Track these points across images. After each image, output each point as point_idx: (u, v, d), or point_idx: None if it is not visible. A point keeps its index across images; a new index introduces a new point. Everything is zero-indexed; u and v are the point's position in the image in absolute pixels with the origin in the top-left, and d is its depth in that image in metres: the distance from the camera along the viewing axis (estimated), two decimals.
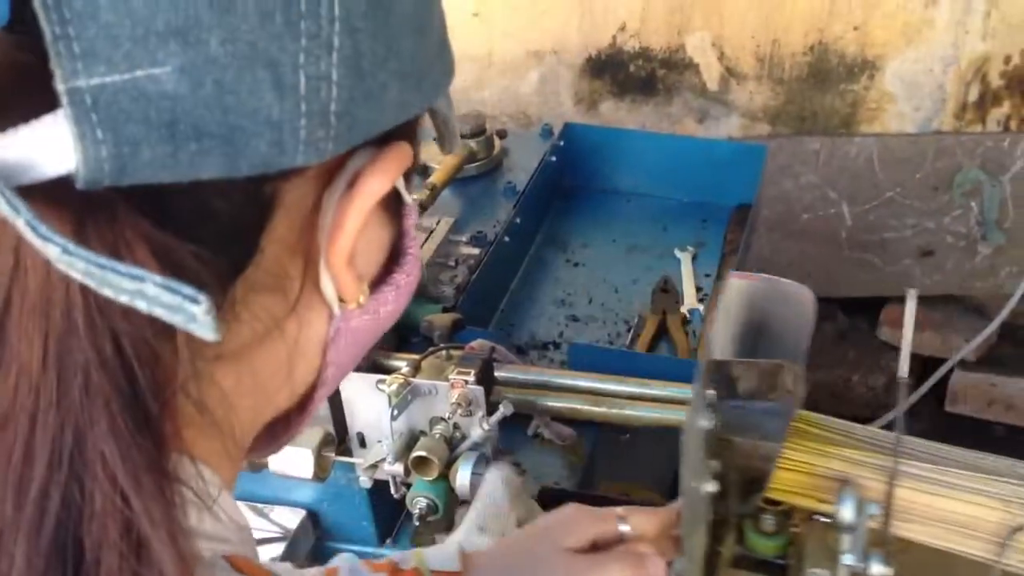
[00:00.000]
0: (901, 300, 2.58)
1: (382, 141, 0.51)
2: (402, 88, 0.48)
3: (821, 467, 1.02)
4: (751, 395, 1.01)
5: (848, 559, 0.94)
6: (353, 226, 0.51)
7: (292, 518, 1.30)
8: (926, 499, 1.00)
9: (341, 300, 0.55)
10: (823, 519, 1.01)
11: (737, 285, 1.06)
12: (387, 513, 1.30)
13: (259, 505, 1.31)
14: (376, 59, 0.46)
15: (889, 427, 1.09)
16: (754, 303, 1.06)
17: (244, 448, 0.58)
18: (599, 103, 2.58)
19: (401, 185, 0.56)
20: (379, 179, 0.50)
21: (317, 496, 1.30)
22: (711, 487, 0.98)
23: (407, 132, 0.53)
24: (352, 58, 0.44)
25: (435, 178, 1.65)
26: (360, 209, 0.51)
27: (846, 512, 0.95)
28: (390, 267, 0.59)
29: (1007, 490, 0.98)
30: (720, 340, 1.05)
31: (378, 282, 0.59)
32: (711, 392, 0.98)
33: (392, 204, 0.57)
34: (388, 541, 1.32)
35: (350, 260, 0.52)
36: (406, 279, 0.60)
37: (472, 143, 1.79)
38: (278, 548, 1.28)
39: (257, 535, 1.27)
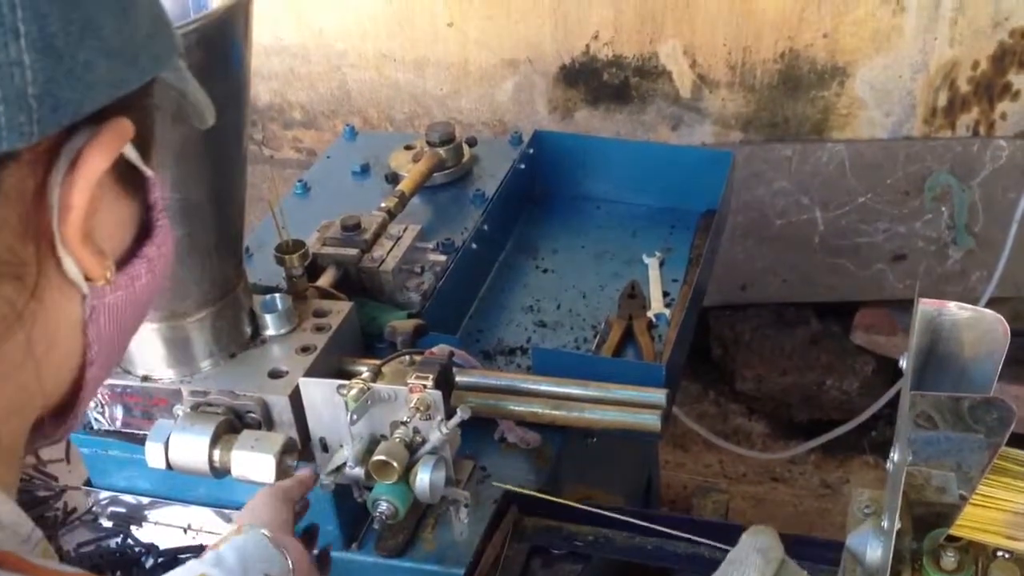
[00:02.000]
0: (874, 304, 2.60)
1: (102, 118, 0.52)
2: (111, 66, 0.50)
3: (1018, 503, 0.98)
4: (959, 429, 0.95)
5: None
6: (81, 203, 0.52)
7: None
8: None
9: (88, 279, 0.56)
10: (1005, 555, 0.99)
11: (925, 311, 0.99)
12: (352, 517, 1.32)
13: (226, 511, 1.33)
14: (71, 40, 0.47)
15: None
16: (942, 332, 1.00)
17: (14, 446, 0.57)
18: (574, 111, 2.60)
19: (136, 159, 0.57)
20: (99, 155, 0.52)
21: None
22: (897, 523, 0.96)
23: (129, 107, 0.54)
24: (42, 41, 0.46)
25: (403, 185, 1.67)
26: (84, 186, 0.52)
27: None
28: (140, 241, 0.61)
29: None
30: (912, 371, 0.98)
31: (129, 257, 0.60)
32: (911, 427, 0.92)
33: (130, 178, 0.58)
34: (354, 545, 1.33)
35: (86, 237, 0.53)
36: (157, 251, 0.62)
37: (441, 151, 1.80)
38: None
39: None
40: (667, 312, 1.68)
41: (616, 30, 2.45)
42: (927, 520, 1.01)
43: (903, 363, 0.97)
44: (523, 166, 1.90)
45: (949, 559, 0.99)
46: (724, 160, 1.89)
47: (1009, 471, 0.98)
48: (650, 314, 1.68)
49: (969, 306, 0.98)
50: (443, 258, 1.59)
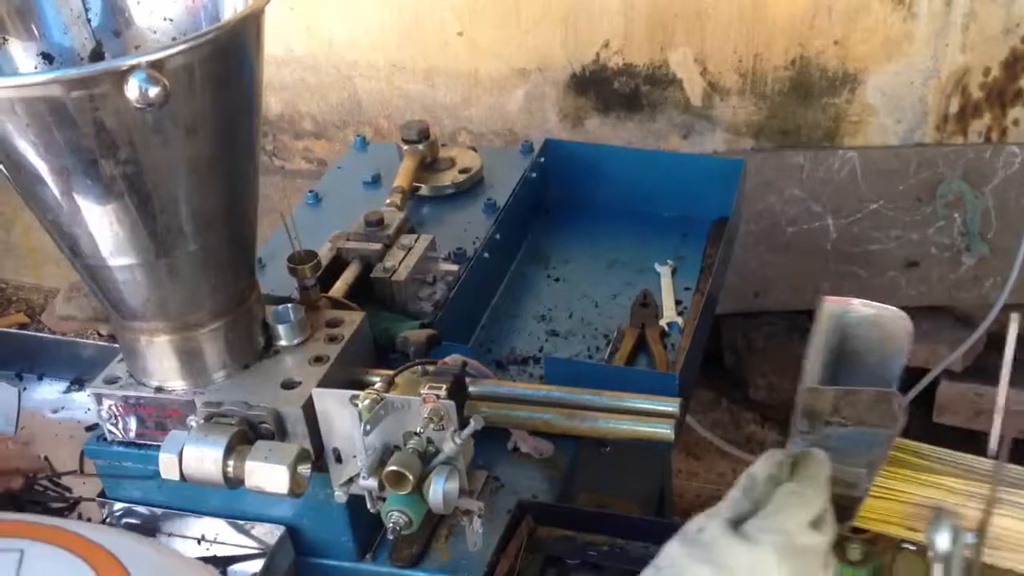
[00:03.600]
0: None
1: None
2: None
3: (917, 495, 1.00)
4: (853, 423, 0.98)
5: None
6: None
7: (272, 534, 1.31)
8: (1020, 526, 0.97)
9: None
10: (910, 547, 1.00)
11: (829, 309, 1.02)
12: (366, 528, 1.31)
13: (239, 522, 1.33)
14: None
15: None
16: (848, 329, 1.02)
17: None
18: (584, 120, 2.60)
19: None
20: None
21: (296, 512, 1.31)
22: None
23: None
24: None
25: (399, 181, 1.70)
26: None
27: (941, 541, 0.93)
28: None
29: None
30: (815, 366, 1.02)
31: None
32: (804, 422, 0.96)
33: None
34: (367, 556, 1.33)
35: None
36: None
37: (420, 147, 1.85)
38: (257, 564, 1.29)
39: (237, 552, 1.29)
40: (680, 320, 1.68)
41: (626, 38, 2.45)
42: (837, 514, 1.00)
43: (805, 362, 0.99)
44: (534, 175, 1.90)
45: (854, 550, 1.01)
46: (735, 168, 1.89)
47: (908, 463, 1.02)
48: (663, 323, 1.68)
49: (874, 304, 1.01)
50: (455, 268, 1.59)
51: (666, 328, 1.67)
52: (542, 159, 1.93)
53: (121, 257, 1.17)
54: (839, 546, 1.00)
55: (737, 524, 0.88)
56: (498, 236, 1.71)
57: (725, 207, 1.84)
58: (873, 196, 2.46)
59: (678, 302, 1.74)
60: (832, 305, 1.02)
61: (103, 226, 1.14)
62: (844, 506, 0.99)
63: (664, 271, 1.80)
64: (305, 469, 1.20)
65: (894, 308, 1.02)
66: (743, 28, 2.38)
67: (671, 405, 1.30)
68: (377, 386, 1.20)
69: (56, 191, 1.10)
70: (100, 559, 0.57)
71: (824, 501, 0.92)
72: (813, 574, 0.87)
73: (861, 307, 1.02)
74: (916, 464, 1.02)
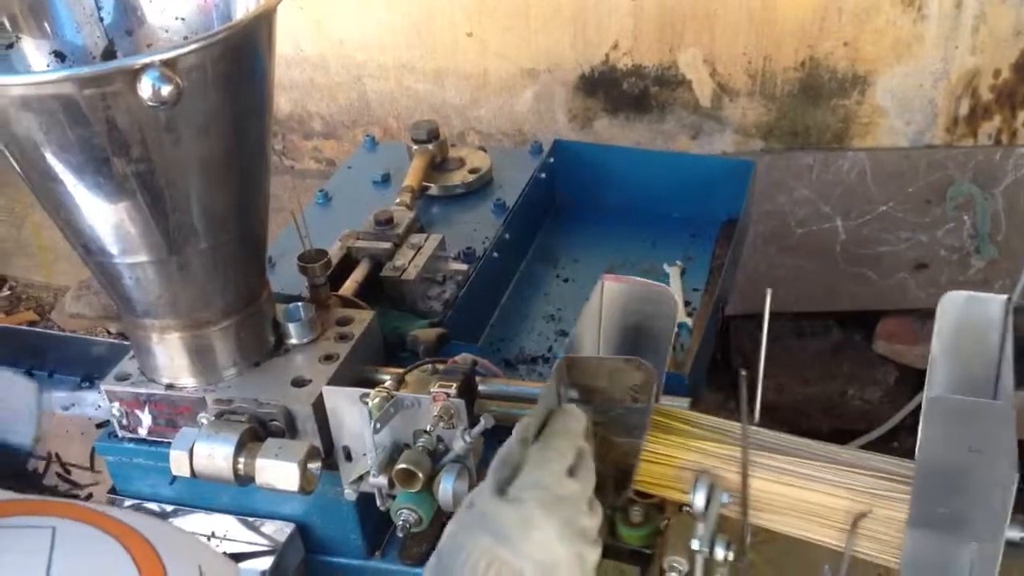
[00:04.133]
0: (897, 313, 2.58)
1: None
2: None
3: (683, 459, 1.08)
4: (606, 391, 1.07)
5: (695, 544, 1.00)
6: None
7: (282, 532, 1.32)
8: (780, 489, 1.05)
9: None
10: (689, 511, 1.06)
11: (610, 288, 1.14)
12: (375, 525, 1.32)
13: (249, 519, 1.33)
14: None
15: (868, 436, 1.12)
16: (630, 306, 1.14)
17: None
18: (593, 120, 2.60)
19: None
20: None
21: (306, 510, 1.31)
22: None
23: None
24: None
25: (409, 181, 1.70)
26: None
27: (699, 500, 1.02)
28: None
29: (853, 479, 1.03)
30: (590, 338, 1.13)
31: None
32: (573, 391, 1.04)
33: None
34: (377, 553, 1.34)
35: None
36: None
37: (430, 147, 1.86)
38: (267, 561, 1.30)
39: (246, 548, 1.30)
40: (689, 321, 1.68)
41: (636, 39, 2.45)
42: (624, 481, 1.10)
43: (570, 337, 1.10)
44: (543, 175, 1.90)
45: (636, 513, 1.11)
46: (745, 170, 1.89)
47: (675, 430, 1.11)
48: None
49: (649, 282, 1.15)
50: (464, 267, 1.59)
51: (676, 329, 1.67)
52: (551, 159, 1.93)
53: (133, 255, 1.17)
54: (623, 510, 1.11)
55: (502, 490, 0.92)
56: (507, 236, 1.72)
57: (735, 208, 1.84)
58: (882, 198, 2.46)
59: (687, 303, 1.74)
60: (611, 283, 1.15)
61: (115, 224, 1.15)
62: (626, 472, 1.09)
63: (673, 272, 1.80)
64: (315, 467, 1.20)
65: (662, 285, 1.15)
66: (752, 29, 2.38)
67: (680, 404, 1.29)
68: (387, 384, 1.21)
69: (68, 188, 1.11)
70: (129, 537, 0.60)
71: (576, 450, 0.97)
72: (578, 519, 0.92)
73: (635, 284, 1.15)
74: (682, 430, 1.10)
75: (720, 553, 0.99)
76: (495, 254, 1.67)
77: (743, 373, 1.01)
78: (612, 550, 1.10)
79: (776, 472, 1.05)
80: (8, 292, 3.15)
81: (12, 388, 1.07)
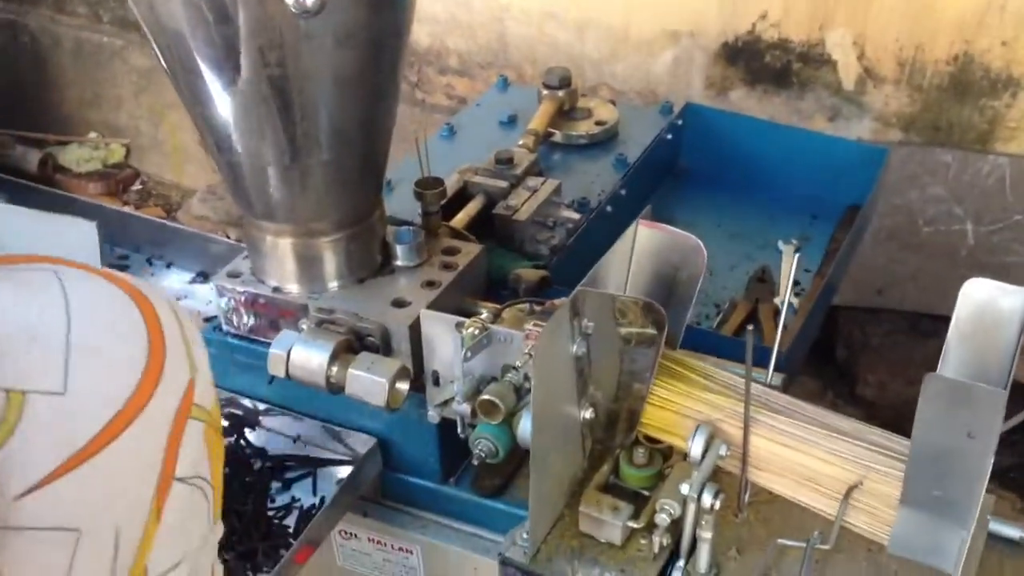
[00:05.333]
0: None
1: None
2: None
3: (688, 407, 1.12)
4: (621, 328, 1.11)
5: (684, 488, 1.02)
6: None
7: (364, 444, 1.35)
8: (778, 449, 1.07)
9: None
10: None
11: (644, 233, 1.19)
12: (454, 452, 1.34)
13: (335, 428, 1.37)
14: None
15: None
16: (662, 254, 1.18)
17: None
18: (730, 90, 2.56)
19: None
20: None
21: (389, 427, 1.35)
22: (586, 413, 1.11)
23: None
24: None
25: (534, 124, 1.70)
26: None
27: (696, 448, 1.05)
28: None
29: (850, 450, 1.05)
30: (616, 279, 1.16)
31: None
32: (589, 323, 1.06)
33: None
34: (451, 480, 1.36)
35: None
36: None
37: (560, 93, 1.85)
38: (346, 470, 1.34)
39: (328, 455, 1.34)
40: (795, 302, 1.66)
41: (785, 12, 2.40)
42: (631, 421, 1.16)
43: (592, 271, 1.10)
44: (669, 136, 1.89)
45: (640, 455, 1.13)
46: (878, 157, 1.84)
47: (685, 378, 1.15)
48: (777, 301, 1.66)
49: (682, 232, 1.19)
50: (577, 216, 1.59)
51: (780, 307, 1.65)
52: (679, 122, 1.91)
53: (258, 156, 1.21)
54: (630, 451, 1.14)
55: None
56: (623, 192, 1.71)
57: (861, 195, 1.80)
58: (1019, 207, 2.37)
59: (796, 283, 1.71)
60: (644, 228, 1.19)
61: (245, 124, 1.18)
62: (634, 412, 1.14)
63: (787, 250, 1.77)
64: (404, 386, 1.23)
65: (691, 236, 1.18)
66: (908, 16, 2.30)
67: (776, 379, 1.28)
68: (483, 316, 1.22)
69: (207, 83, 1.15)
70: (119, 281, 0.68)
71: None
72: None
73: (668, 233, 1.19)
74: (694, 381, 1.14)
75: (707, 500, 1.00)
76: (608, 208, 1.66)
77: (749, 329, 1.03)
78: (614, 488, 1.13)
79: (776, 432, 1.07)
80: (140, 187, 3.27)
81: (72, 230, 1.11)
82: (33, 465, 0.62)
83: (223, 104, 1.17)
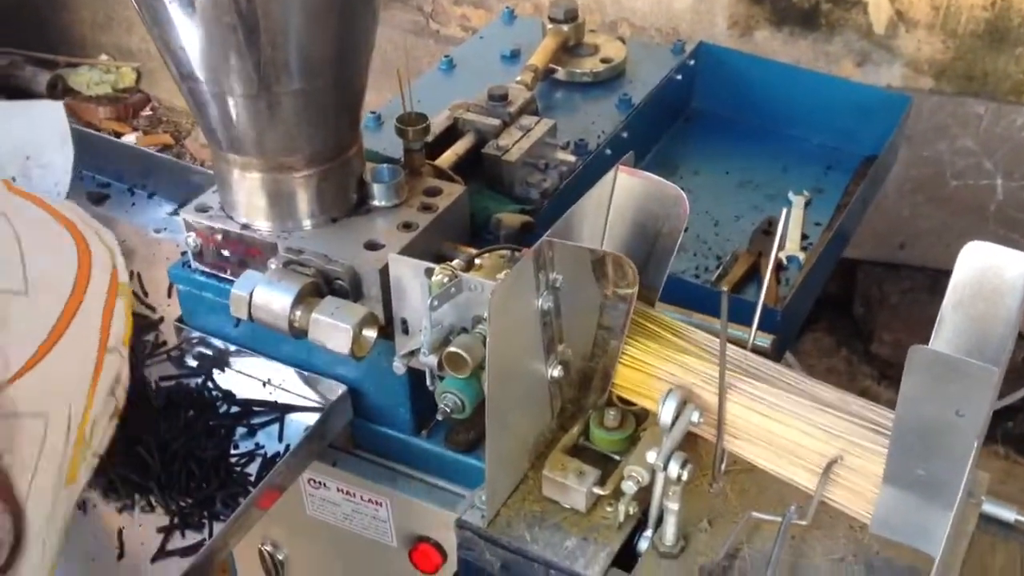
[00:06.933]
0: None
1: None
2: None
3: (661, 369, 1.05)
4: (598, 282, 1.05)
5: (651, 456, 0.95)
6: None
7: (334, 391, 1.30)
8: (755, 418, 1.00)
9: None
10: None
11: (624, 181, 1.09)
12: (426, 404, 1.28)
13: (307, 373, 1.32)
14: None
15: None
16: (643, 204, 1.10)
17: None
18: (754, 30, 2.44)
19: None
20: None
21: (360, 375, 1.29)
22: (554, 371, 1.04)
23: None
24: None
25: (534, 60, 1.62)
26: None
27: (666, 413, 0.97)
28: None
29: (832, 422, 0.97)
30: (592, 229, 1.09)
31: None
32: (557, 276, 1.00)
33: None
34: (424, 432, 1.31)
35: None
36: None
37: (564, 27, 1.75)
38: (314, 417, 1.28)
39: (297, 401, 1.28)
40: (802, 256, 1.57)
41: None
42: (603, 382, 1.10)
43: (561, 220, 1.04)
44: (679, 77, 1.79)
45: (611, 417, 1.07)
46: (900, 104, 1.74)
47: (662, 339, 1.07)
48: (782, 254, 1.57)
49: (663, 181, 1.09)
50: (572, 159, 1.51)
51: (785, 261, 1.57)
52: (692, 62, 1.82)
53: (222, 85, 1.14)
54: (601, 412, 1.08)
55: None
56: (625, 134, 1.62)
57: (880, 145, 1.70)
58: None
59: (804, 236, 1.63)
60: (624, 175, 1.10)
61: (208, 49, 1.11)
62: (606, 372, 1.08)
63: (797, 201, 1.69)
64: (371, 333, 1.17)
65: (673, 185, 1.09)
66: None
67: (763, 341, 1.21)
68: (455, 263, 1.15)
69: (167, 5, 1.07)
70: (61, 218, 0.86)
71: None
72: None
73: (650, 181, 1.09)
74: (669, 342, 1.07)
75: (675, 471, 0.93)
76: (608, 151, 1.58)
77: (724, 290, 0.96)
78: (583, 450, 1.07)
79: (754, 400, 1.00)
80: (150, 112, 3.21)
81: (42, 114, 1.13)
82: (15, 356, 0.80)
83: (185, 27, 1.10)
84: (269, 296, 1.17)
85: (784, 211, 1.15)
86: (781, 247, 1.59)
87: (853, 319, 2.59)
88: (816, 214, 1.67)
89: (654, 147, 1.78)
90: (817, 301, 2.58)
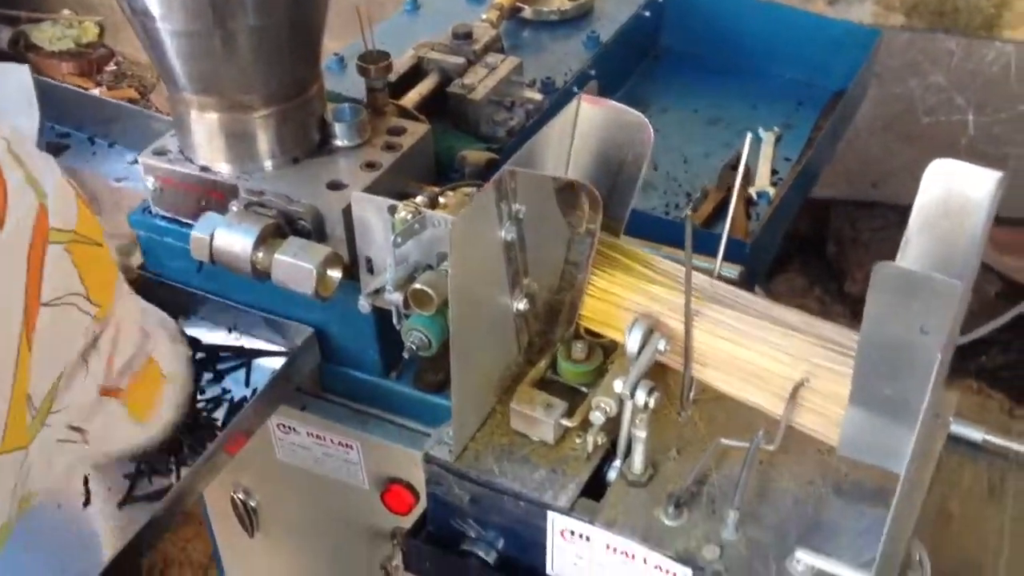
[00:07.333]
0: (1013, 222, 2.40)
1: None
2: None
3: (627, 299, 1.04)
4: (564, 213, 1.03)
5: (618, 385, 0.94)
6: None
7: (301, 335, 1.28)
8: (722, 344, 1.00)
9: None
10: None
11: (587, 110, 1.07)
12: (394, 345, 1.26)
13: (272, 317, 1.30)
14: None
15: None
16: (608, 134, 1.07)
17: None
18: None
19: None
20: None
21: (327, 317, 1.27)
22: (520, 304, 1.02)
23: None
24: None
25: None
26: None
27: (632, 342, 0.97)
28: None
29: (799, 346, 0.97)
30: (556, 158, 1.07)
31: None
32: (520, 207, 0.97)
33: None
34: (393, 373, 1.30)
35: None
36: None
37: None
38: (280, 361, 1.27)
39: (264, 346, 1.27)
40: (771, 191, 1.56)
41: None
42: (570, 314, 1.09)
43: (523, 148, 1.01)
44: (647, 14, 1.77)
45: (578, 349, 1.06)
46: (869, 39, 1.72)
47: (628, 269, 1.06)
48: (752, 190, 1.57)
49: (626, 108, 1.07)
50: (539, 97, 1.49)
51: (755, 196, 1.56)
52: None
53: (176, 21, 1.11)
54: (568, 345, 1.07)
55: None
56: (592, 72, 1.60)
57: (850, 80, 1.69)
58: None
59: (775, 171, 1.62)
60: (587, 104, 1.07)
61: None
62: (573, 304, 1.07)
63: (767, 137, 1.67)
64: (335, 273, 1.16)
65: (636, 112, 1.06)
66: None
67: (730, 270, 1.20)
68: (419, 200, 1.14)
69: None
70: None
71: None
72: None
73: (613, 109, 1.07)
74: (635, 271, 1.06)
75: (641, 398, 0.93)
76: (575, 89, 1.55)
77: (688, 214, 0.94)
78: (551, 384, 1.06)
79: (721, 326, 1.00)
80: (114, 67, 3.15)
81: (7, 77, 1.09)
82: None
83: None
84: (230, 238, 1.15)
85: (747, 142, 1.14)
86: (750, 181, 1.58)
87: (826, 259, 2.59)
88: (786, 149, 1.65)
89: (623, 85, 1.76)
90: (790, 242, 2.59)
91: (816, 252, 2.59)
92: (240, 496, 1.48)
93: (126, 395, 1.02)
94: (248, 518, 1.49)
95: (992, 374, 2.32)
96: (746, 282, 1.27)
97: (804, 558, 0.90)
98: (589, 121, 1.09)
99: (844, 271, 2.52)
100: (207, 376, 1.27)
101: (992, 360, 2.39)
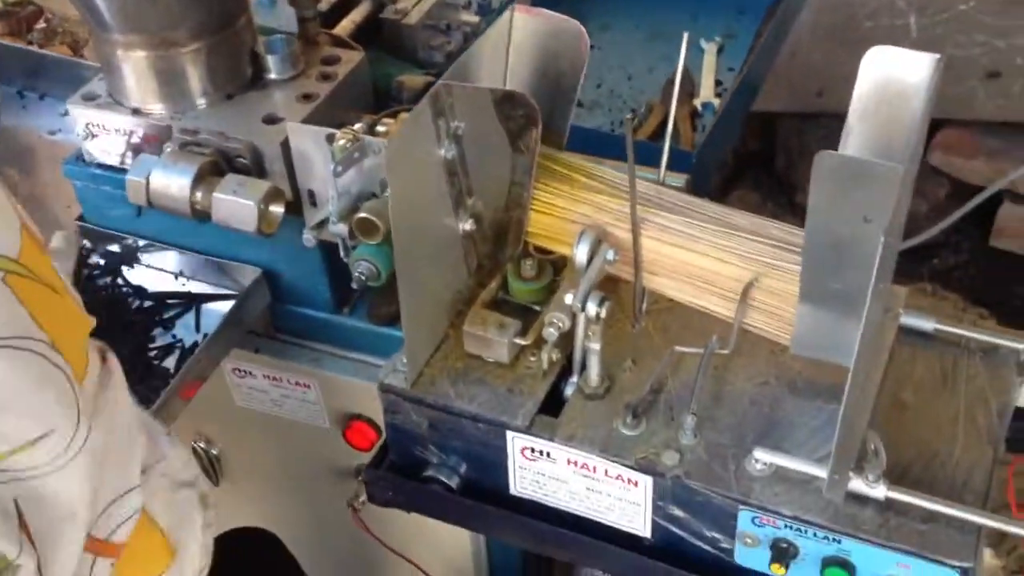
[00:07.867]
0: (959, 124, 2.40)
1: None
2: None
3: (572, 211, 1.03)
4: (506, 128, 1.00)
5: (568, 298, 0.94)
6: None
7: (250, 276, 1.26)
8: (670, 251, 0.99)
9: None
10: None
11: (521, 20, 1.04)
12: (344, 280, 1.24)
13: (218, 260, 1.28)
14: None
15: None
16: (545, 44, 1.05)
17: None
18: None
19: None
20: None
21: (274, 256, 1.25)
22: (466, 225, 1.01)
23: None
24: None
25: None
26: None
27: (580, 253, 0.96)
28: None
29: (748, 247, 0.97)
30: (491, 73, 1.04)
31: None
32: (458, 123, 0.95)
33: None
34: (345, 309, 1.28)
35: None
36: None
37: None
38: (229, 305, 1.25)
39: (212, 290, 1.25)
40: (716, 102, 1.55)
41: None
42: (516, 234, 1.07)
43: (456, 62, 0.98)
44: None
45: (528, 267, 1.05)
46: None
47: (569, 179, 1.04)
48: (697, 102, 1.55)
49: (560, 16, 1.05)
50: (476, 19, 1.46)
51: (699, 108, 1.55)
52: None
53: None
54: (517, 263, 1.06)
55: None
56: None
57: None
58: None
59: (719, 82, 1.60)
60: (521, 14, 1.05)
61: None
62: (519, 221, 1.05)
63: (709, 48, 1.66)
64: (277, 208, 1.13)
65: (574, 21, 1.05)
66: None
67: (677, 180, 1.19)
68: (357, 127, 1.11)
69: None
70: None
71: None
72: None
73: (547, 18, 1.05)
74: (578, 182, 1.04)
75: (592, 309, 0.92)
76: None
77: (628, 117, 0.93)
78: (503, 304, 1.05)
79: (669, 232, 0.99)
80: (44, 25, 3.06)
81: None
82: None
83: None
84: (166, 179, 1.12)
85: (683, 46, 1.12)
86: (694, 93, 1.57)
87: (776, 174, 2.59)
88: (730, 59, 1.64)
89: (559, 5, 1.73)
90: (740, 159, 2.59)
91: (766, 168, 2.59)
92: (202, 445, 1.46)
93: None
94: (211, 467, 1.48)
95: (945, 275, 2.35)
96: (692, 193, 1.27)
97: (762, 457, 0.91)
98: (523, 32, 1.06)
99: (794, 184, 2.52)
100: (155, 325, 1.25)
101: (944, 262, 2.42)
